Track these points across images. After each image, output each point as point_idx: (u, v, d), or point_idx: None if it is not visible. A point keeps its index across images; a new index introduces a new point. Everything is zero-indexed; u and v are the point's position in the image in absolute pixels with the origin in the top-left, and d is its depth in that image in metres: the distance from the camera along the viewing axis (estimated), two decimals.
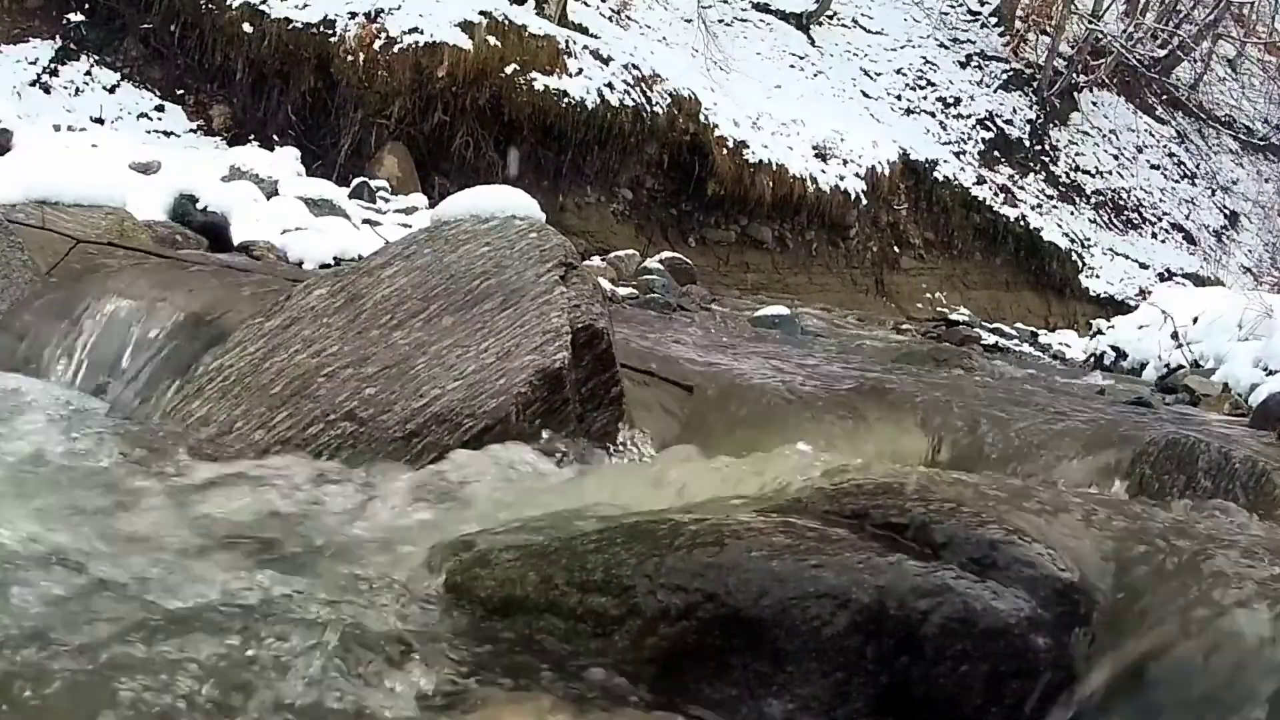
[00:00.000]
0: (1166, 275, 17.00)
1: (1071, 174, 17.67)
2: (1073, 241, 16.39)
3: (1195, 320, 7.73)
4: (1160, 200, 18.71)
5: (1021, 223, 15.84)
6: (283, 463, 1.97)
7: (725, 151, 12.22)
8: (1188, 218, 18.79)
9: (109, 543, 1.53)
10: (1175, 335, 7.72)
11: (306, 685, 1.22)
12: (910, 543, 1.43)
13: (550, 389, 2.14)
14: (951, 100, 17.01)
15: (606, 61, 11.45)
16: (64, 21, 10.09)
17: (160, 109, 10.14)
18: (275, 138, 9.91)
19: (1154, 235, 18.19)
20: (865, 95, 16.37)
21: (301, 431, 2.04)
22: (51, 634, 1.24)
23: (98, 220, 3.33)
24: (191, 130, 10.13)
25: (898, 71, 17.06)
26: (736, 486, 1.82)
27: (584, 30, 11.98)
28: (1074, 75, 17.88)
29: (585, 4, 13.03)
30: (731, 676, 1.34)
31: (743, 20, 16.09)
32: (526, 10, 11.14)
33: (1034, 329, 12.94)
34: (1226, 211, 19.59)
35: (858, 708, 1.31)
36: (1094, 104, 18.81)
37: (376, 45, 10.19)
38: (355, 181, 8.97)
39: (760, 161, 12.45)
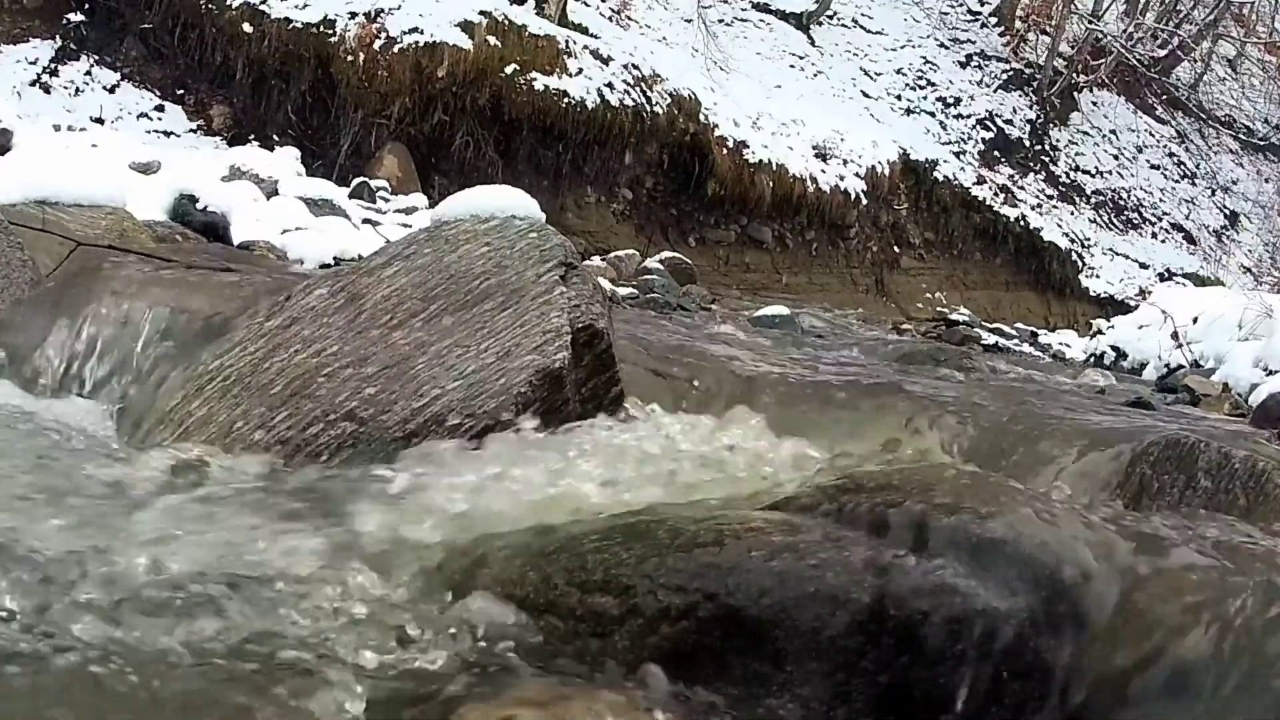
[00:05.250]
0: (1166, 275, 16.99)
1: (1071, 174, 17.66)
2: (1073, 241, 16.38)
3: (1195, 320, 7.72)
4: (1160, 200, 18.70)
5: (1021, 223, 15.83)
6: (282, 463, 1.97)
7: (725, 151, 12.21)
8: (1188, 218, 18.78)
9: (101, 545, 1.53)
10: (1175, 335, 7.71)
11: (304, 686, 1.22)
12: (910, 543, 1.43)
13: (550, 389, 2.14)
14: (951, 100, 17.00)
15: (606, 61, 11.44)
16: (64, 21, 10.09)
17: (160, 109, 10.14)
18: (275, 138, 9.91)
19: (1154, 235, 18.18)
20: (865, 95, 16.37)
21: (301, 431, 2.04)
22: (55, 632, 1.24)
23: (98, 220, 3.32)
24: (191, 130, 10.13)
25: (898, 71, 17.05)
26: (737, 485, 1.82)
27: (584, 30, 11.97)
28: (1074, 75, 17.87)
29: (585, 4, 13.03)
30: (731, 676, 1.34)
31: (743, 20, 16.09)
32: (526, 10, 11.14)
33: (1034, 329, 12.93)
34: (1226, 211, 19.58)
35: (858, 708, 1.31)
36: (1094, 104, 18.80)
37: (376, 45, 10.19)
38: (355, 181, 8.96)
39: (760, 161, 12.44)
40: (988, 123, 17.01)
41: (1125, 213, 18.04)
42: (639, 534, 1.48)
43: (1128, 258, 17.13)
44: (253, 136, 10.06)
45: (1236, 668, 1.24)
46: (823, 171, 13.20)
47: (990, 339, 10.39)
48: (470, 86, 10.41)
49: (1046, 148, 17.65)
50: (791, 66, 15.94)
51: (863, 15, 17.67)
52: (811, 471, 1.83)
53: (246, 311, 2.38)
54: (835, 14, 17.30)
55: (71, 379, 2.41)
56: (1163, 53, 18.75)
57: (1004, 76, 17.84)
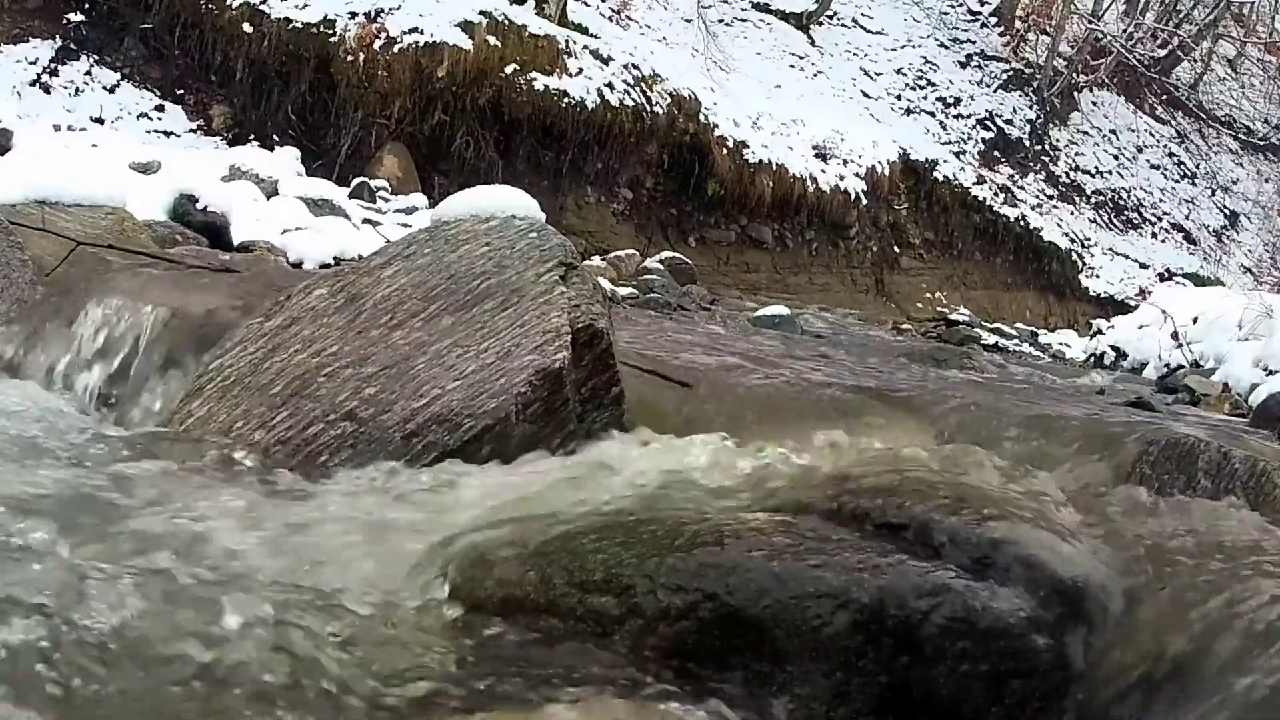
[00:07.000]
0: (1166, 275, 16.99)
1: (1071, 174, 17.66)
2: (1073, 241, 16.38)
3: (1195, 320, 7.72)
4: (1160, 200, 18.71)
5: (1021, 223, 15.84)
6: (282, 463, 1.97)
7: (725, 151, 12.21)
8: (1188, 218, 18.79)
9: (101, 549, 1.53)
10: (1175, 335, 7.71)
11: (305, 687, 1.22)
12: (910, 543, 1.43)
13: (550, 389, 2.14)
14: (951, 100, 17.00)
15: (606, 61, 11.44)
16: (64, 21, 10.08)
17: (160, 109, 10.13)
18: (275, 138, 9.90)
19: (1154, 235, 18.18)
20: (865, 95, 16.37)
21: (301, 432, 2.04)
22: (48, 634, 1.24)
23: (98, 220, 3.32)
24: (191, 130, 10.12)
25: (898, 71, 17.06)
26: (737, 486, 1.82)
27: (584, 30, 11.97)
28: (1074, 75, 17.87)
29: (585, 4, 13.02)
30: (732, 676, 1.34)
31: (743, 20, 16.09)
32: (526, 10, 11.13)
33: (1034, 329, 12.93)
34: (1226, 211, 19.58)
35: (858, 708, 1.31)
36: (1094, 104, 18.81)
37: (376, 45, 10.19)
38: (355, 181, 8.96)
39: (760, 161, 12.44)
40: (988, 123, 17.01)
41: (1125, 213, 18.05)
42: (639, 534, 1.48)
43: (1128, 258, 17.14)
44: (253, 136, 10.05)
45: (1240, 667, 1.24)
46: (823, 171, 13.20)
47: (990, 339, 10.38)
48: (470, 86, 10.40)
49: (1046, 148, 17.65)
50: (791, 66, 15.94)
51: (863, 15, 17.66)
52: (811, 472, 1.82)
53: (246, 312, 2.38)
54: (835, 14, 17.30)
55: (71, 379, 2.41)
56: (1163, 53, 18.75)
57: (1004, 76, 17.84)
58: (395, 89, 10.15)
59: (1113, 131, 18.81)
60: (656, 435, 2.36)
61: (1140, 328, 8.68)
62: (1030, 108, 17.65)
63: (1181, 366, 7.28)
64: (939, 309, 13.95)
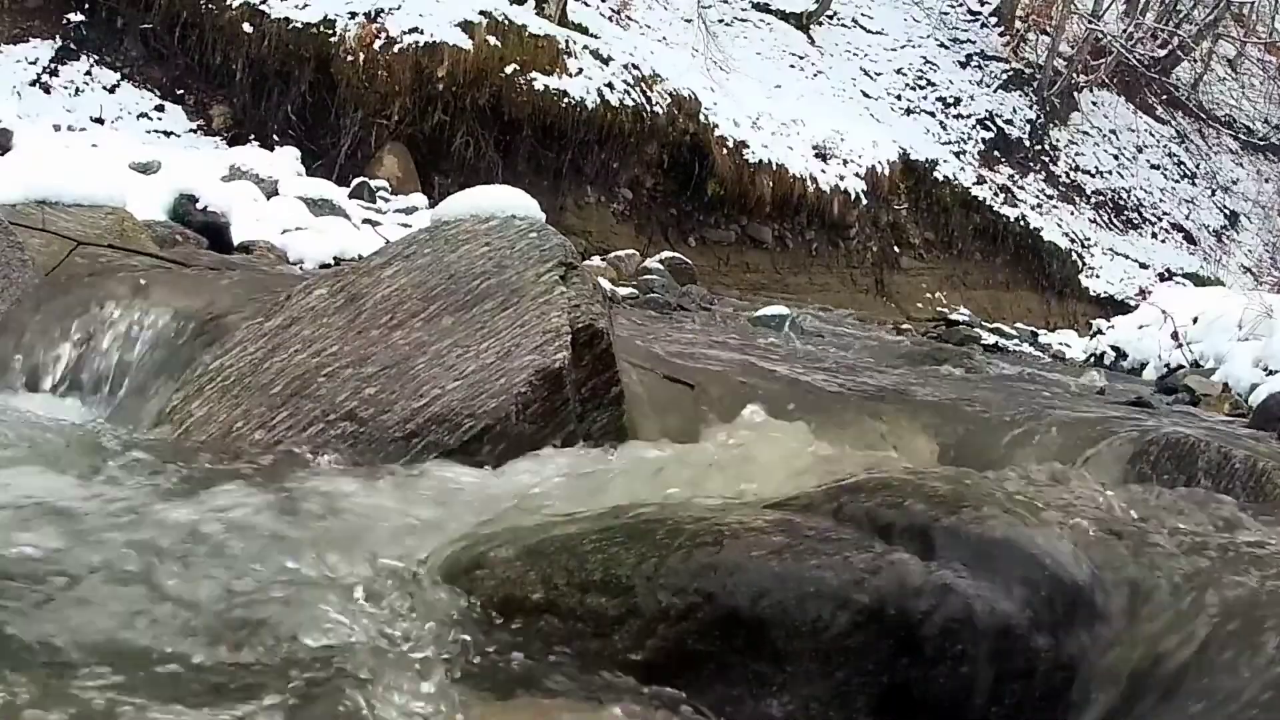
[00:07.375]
0: (1166, 275, 16.99)
1: (1071, 174, 17.66)
2: (1073, 241, 16.38)
3: (1195, 320, 7.72)
4: (1160, 200, 18.70)
5: (1021, 223, 15.84)
6: (283, 463, 1.97)
7: (725, 151, 12.21)
8: (1188, 218, 18.78)
9: (106, 550, 1.53)
10: (1175, 335, 7.72)
11: (306, 686, 1.22)
12: (910, 543, 1.43)
13: (550, 389, 2.14)
14: (951, 100, 17.00)
15: (606, 61, 11.44)
16: (64, 21, 10.08)
17: (160, 109, 10.13)
18: (275, 138, 9.90)
19: (1154, 235, 18.18)
20: (865, 95, 16.37)
21: (301, 432, 2.04)
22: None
23: (98, 220, 3.32)
24: (191, 130, 10.12)
25: (898, 71, 17.06)
26: (737, 485, 1.82)
27: (584, 30, 11.97)
28: (1074, 75, 17.87)
29: (585, 4, 13.02)
30: (732, 677, 1.34)
31: (743, 20, 16.09)
32: (526, 10, 11.13)
33: (1034, 329, 12.92)
34: (1226, 211, 19.58)
35: (858, 708, 1.31)
36: (1094, 104, 18.81)
37: (376, 45, 10.19)
38: (355, 181, 8.96)
39: (760, 161, 12.44)
40: (988, 123, 17.01)
41: (1125, 213, 18.05)
42: (639, 534, 1.48)
43: (1128, 258, 17.14)
44: (253, 136, 10.05)
45: (1241, 667, 1.24)
46: (823, 171, 13.20)
47: (990, 339, 10.38)
48: (470, 86, 10.40)
49: (1046, 148, 17.65)
50: (791, 66, 15.94)
51: (863, 15, 17.66)
52: (811, 472, 1.83)
53: (246, 312, 2.38)
54: (835, 14, 17.30)
55: (72, 380, 2.41)
56: (1163, 53, 18.75)
57: (1004, 76, 17.84)
58: (395, 89, 10.15)
59: (1113, 131, 18.81)
60: (657, 435, 2.36)
61: (1140, 328, 8.68)
62: (1030, 108, 17.65)
63: (1181, 366, 7.28)
64: (939, 309, 13.95)
